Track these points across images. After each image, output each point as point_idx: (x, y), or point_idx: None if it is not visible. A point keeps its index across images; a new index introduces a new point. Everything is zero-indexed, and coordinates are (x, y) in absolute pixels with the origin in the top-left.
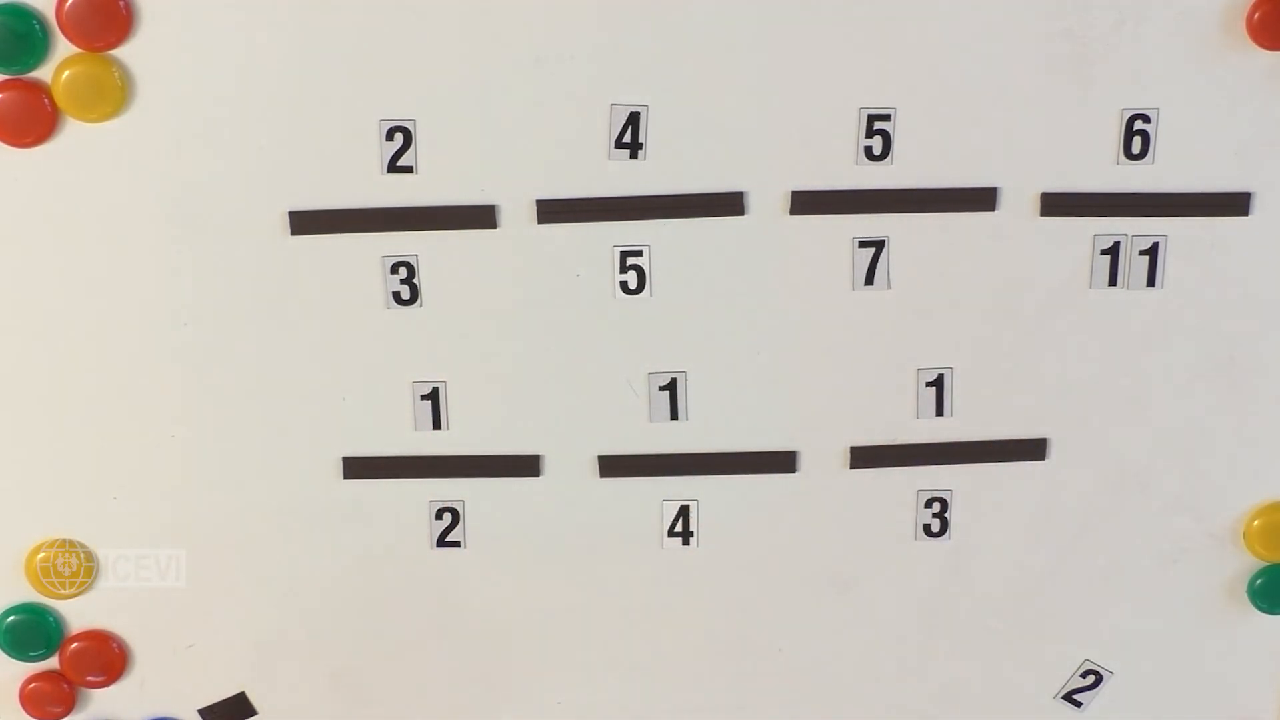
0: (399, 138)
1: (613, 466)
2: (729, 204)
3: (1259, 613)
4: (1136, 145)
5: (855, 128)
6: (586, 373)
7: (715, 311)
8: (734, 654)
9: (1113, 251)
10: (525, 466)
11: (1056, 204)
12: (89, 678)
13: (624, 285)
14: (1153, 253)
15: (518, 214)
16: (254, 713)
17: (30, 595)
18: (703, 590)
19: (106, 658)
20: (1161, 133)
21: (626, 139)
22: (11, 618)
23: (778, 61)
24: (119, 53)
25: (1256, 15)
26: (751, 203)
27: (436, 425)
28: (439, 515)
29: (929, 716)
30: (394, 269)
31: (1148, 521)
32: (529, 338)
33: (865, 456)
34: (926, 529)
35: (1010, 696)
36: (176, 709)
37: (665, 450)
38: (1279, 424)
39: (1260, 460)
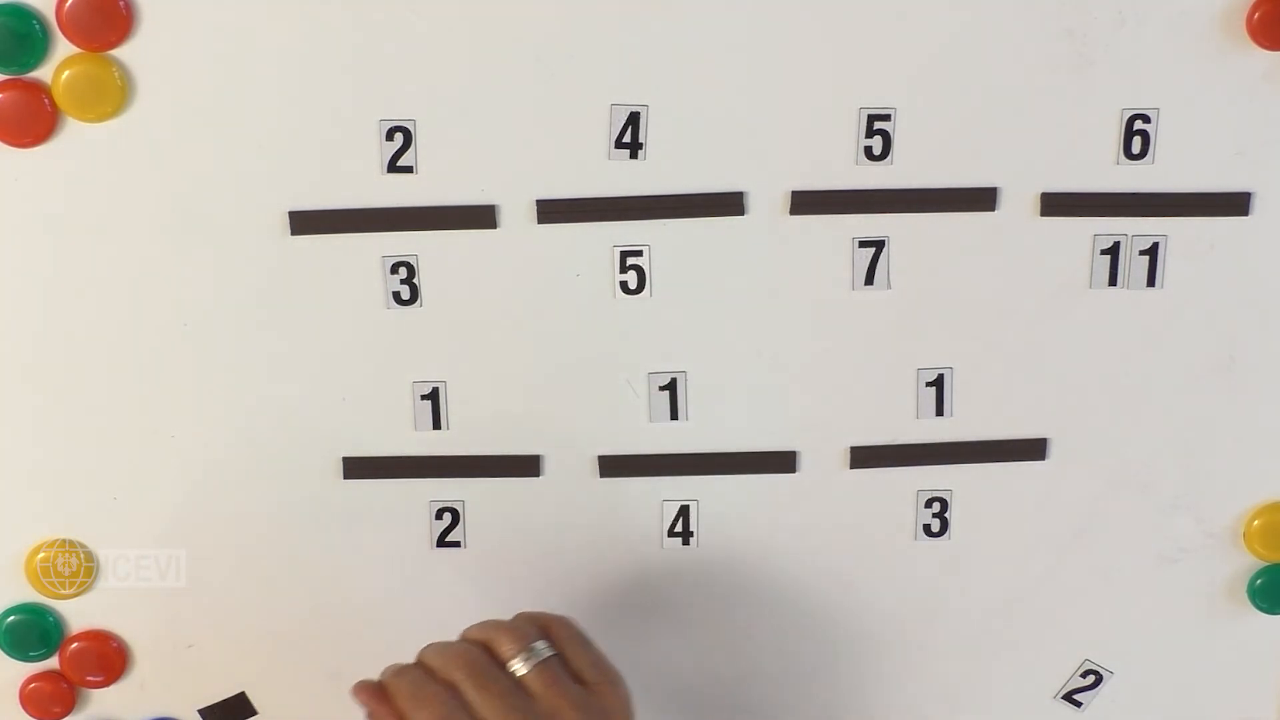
0: (399, 138)
1: (613, 466)
2: (729, 204)
3: (1259, 613)
4: (1136, 145)
5: (855, 128)
6: (586, 373)
7: (715, 311)
8: (734, 653)
9: (1113, 251)
10: (525, 466)
11: (1056, 204)
12: (89, 678)
13: (624, 285)
14: (1153, 253)
15: (518, 214)
16: (254, 713)
17: (30, 595)
18: (703, 590)
19: (106, 658)
20: (1161, 133)
21: (626, 139)
22: (11, 618)
23: (778, 61)
24: (119, 53)
25: (1256, 15)
26: (751, 203)
27: (436, 425)
28: (439, 515)
29: (929, 716)
30: (394, 269)
31: (1148, 521)
32: (529, 338)
33: (865, 456)
34: (926, 529)
35: (1010, 696)
36: (176, 709)
37: (665, 450)
38: (1279, 424)
39: (1260, 460)
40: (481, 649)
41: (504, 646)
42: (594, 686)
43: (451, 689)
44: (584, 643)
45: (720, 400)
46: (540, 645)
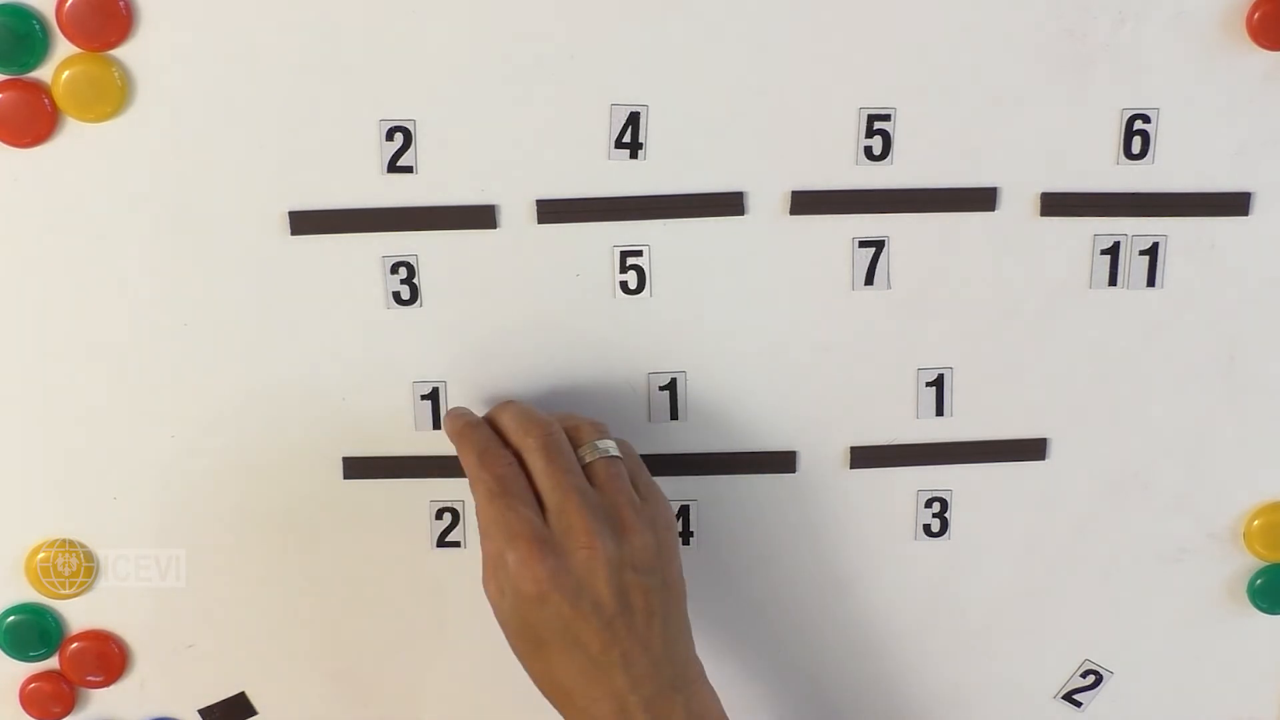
0: (399, 138)
1: None
2: (729, 204)
3: (1259, 613)
4: (1136, 145)
5: (855, 128)
6: (586, 373)
7: (715, 311)
8: (734, 654)
9: (1113, 251)
10: None
11: (1056, 204)
12: (89, 678)
13: (624, 285)
14: (1153, 253)
15: (518, 214)
16: (254, 713)
17: (30, 595)
18: (702, 590)
19: (106, 658)
20: (1161, 133)
21: (626, 139)
22: (11, 618)
23: (778, 61)
24: (119, 53)
25: (1256, 15)
26: (751, 203)
27: (436, 425)
28: (439, 515)
29: (929, 716)
30: (394, 269)
31: (1148, 521)
32: (529, 338)
33: (865, 456)
34: (926, 529)
35: (1010, 696)
36: (176, 709)
37: (665, 450)
38: (1279, 424)
39: (1260, 460)
40: (558, 425)
41: (582, 431)
42: (647, 500)
43: (517, 454)
44: (642, 463)
45: (720, 400)
46: (612, 444)
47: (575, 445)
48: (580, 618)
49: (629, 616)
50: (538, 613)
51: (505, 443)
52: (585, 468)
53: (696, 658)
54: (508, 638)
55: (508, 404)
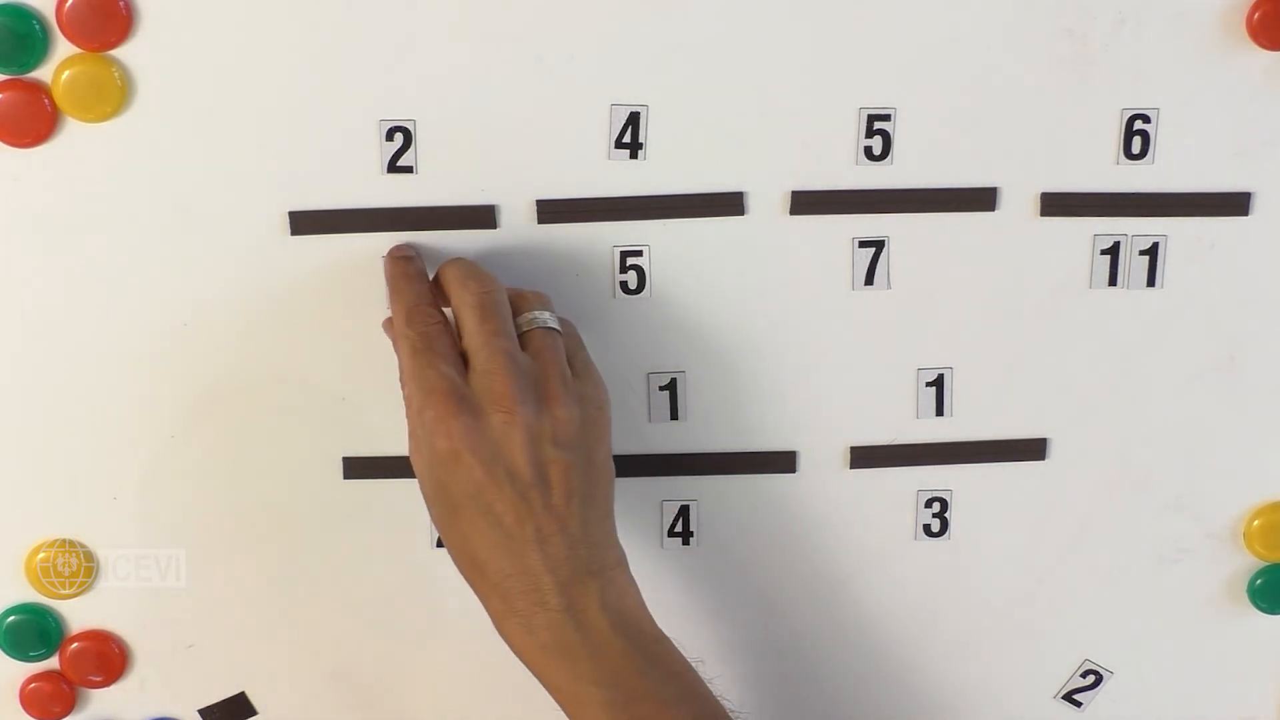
0: (399, 138)
1: None
2: (729, 204)
3: (1259, 613)
4: (1136, 145)
5: (855, 128)
6: None
7: (715, 311)
8: (734, 654)
9: (1113, 251)
10: None
11: (1056, 204)
12: (89, 678)
13: (624, 285)
14: (1153, 253)
15: (518, 214)
16: (254, 713)
17: (30, 595)
18: (703, 590)
19: (106, 658)
20: (1161, 133)
21: (626, 139)
22: (11, 618)
23: (778, 61)
24: (119, 53)
25: (1256, 15)
26: (751, 203)
27: None
28: None
29: (929, 716)
30: None
31: (1148, 521)
32: None
33: (865, 456)
34: (926, 529)
35: (1010, 696)
36: (176, 709)
37: (665, 450)
38: (1279, 424)
39: (1260, 460)
40: (502, 287)
41: (526, 299)
42: (580, 377)
43: (456, 311)
44: (582, 344)
45: (720, 400)
46: (553, 317)
47: (516, 313)
48: (494, 484)
49: (545, 490)
50: (451, 473)
51: (447, 297)
52: (521, 336)
53: (619, 545)
54: (427, 505)
55: (458, 260)
